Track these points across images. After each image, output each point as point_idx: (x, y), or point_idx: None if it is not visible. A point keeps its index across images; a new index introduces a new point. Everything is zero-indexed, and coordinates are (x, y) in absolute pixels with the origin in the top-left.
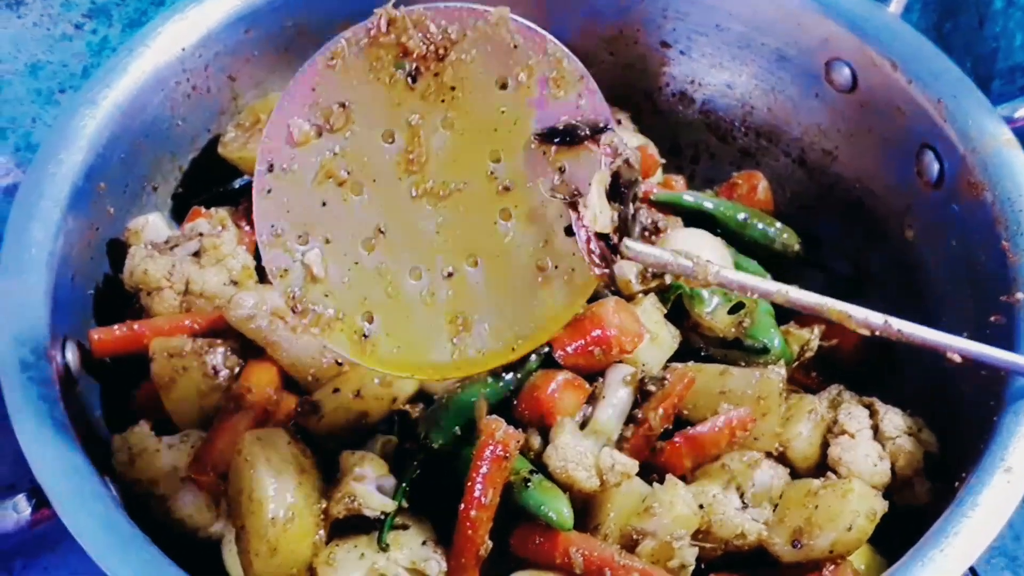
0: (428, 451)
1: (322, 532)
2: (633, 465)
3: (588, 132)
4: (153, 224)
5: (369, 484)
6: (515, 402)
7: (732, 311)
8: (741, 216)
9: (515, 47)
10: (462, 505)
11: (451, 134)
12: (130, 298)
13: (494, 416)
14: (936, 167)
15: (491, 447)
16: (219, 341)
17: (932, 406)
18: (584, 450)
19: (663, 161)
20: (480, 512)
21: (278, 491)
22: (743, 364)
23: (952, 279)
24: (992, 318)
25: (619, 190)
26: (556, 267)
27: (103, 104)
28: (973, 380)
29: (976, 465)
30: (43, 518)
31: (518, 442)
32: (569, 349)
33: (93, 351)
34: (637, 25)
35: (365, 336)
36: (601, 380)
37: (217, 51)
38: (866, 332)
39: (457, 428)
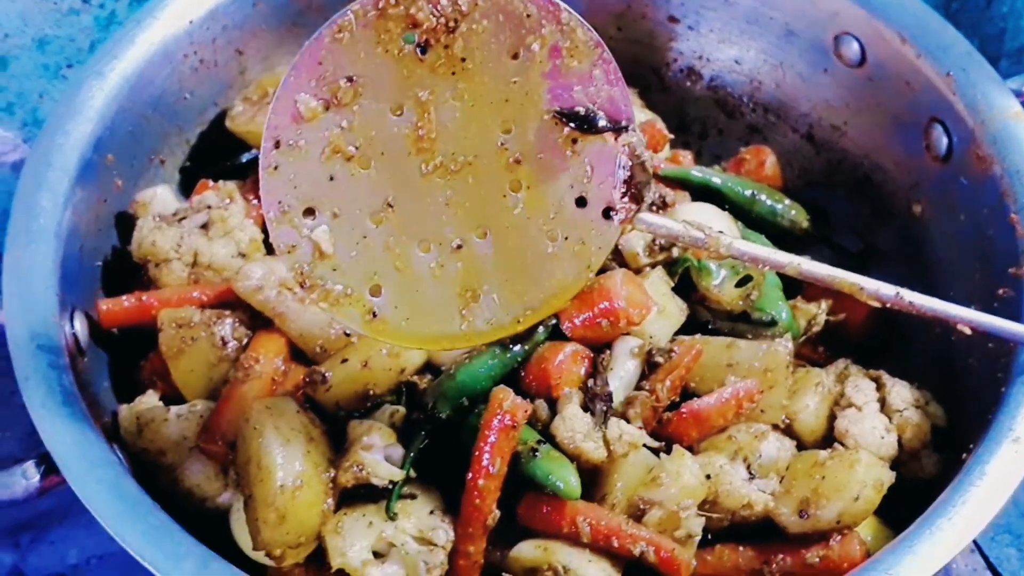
0: (435, 421)
1: (330, 501)
2: (640, 435)
3: (608, 125)
4: (161, 196)
5: (377, 453)
6: (522, 373)
7: (739, 284)
8: (749, 192)
9: (528, 16)
10: (470, 474)
11: (461, 106)
12: (138, 270)
13: (502, 386)
14: (945, 141)
15: (499, 416)
16: (227, 312)
17: (939, 378)
18: (591, 421)
19: (671, 136)
20: (488, 481)
21: (287, 459)
22: (750, 337)
23: (960, 253)
24: (1000, 291)
25: (631, 190)
26: (566, 238)
27: (111, 76)
28: (981, 352)
29: (984, 436)
30: (52, 485)
31: (526, 412)
32: (577, 321)
33: (101, 322)
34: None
35: (374, 313)
36: (608, 352)
37: (225, 24)
38: (877, 304)
39: (464, 399)
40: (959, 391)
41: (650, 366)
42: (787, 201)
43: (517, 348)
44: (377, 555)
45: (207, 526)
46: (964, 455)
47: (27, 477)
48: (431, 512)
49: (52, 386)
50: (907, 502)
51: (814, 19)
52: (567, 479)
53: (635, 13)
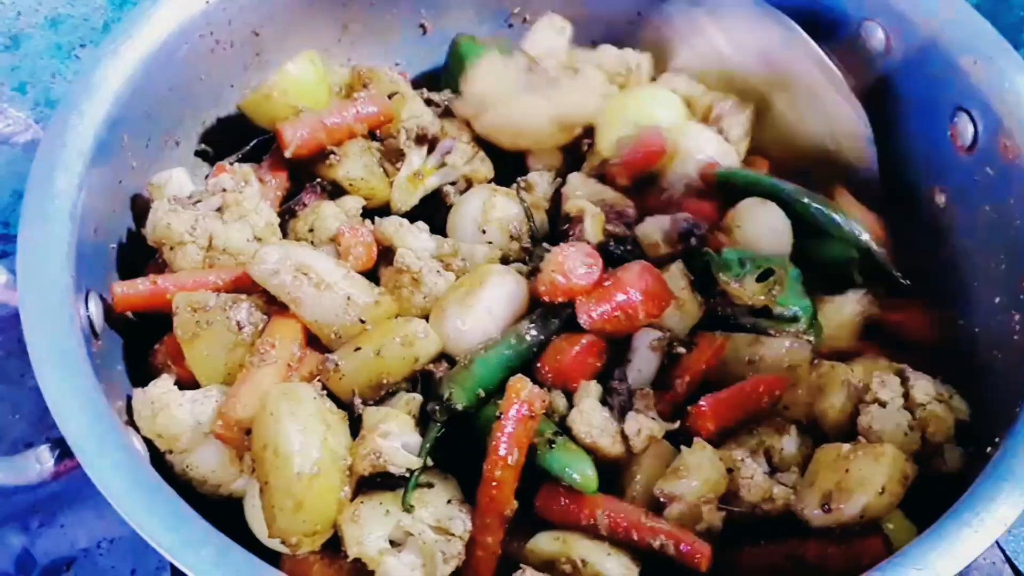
0: (451, 412)
1: (347, 489)
2: (660, 428)
3: None
4: (176, 179)
5: (394, 441)
6: (538, 365)
7: (761, 278)
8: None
9: None
10: (486, 464)
11: None
12: (152, 253)
13: (519, 375)
14: (971, 130)
15: (517, 405)
16: (243, 296)
17: (963, 371)
18: (609, 415)
19: None
20: (505, 471)
21: (304, 446)
22: (772, 333)
23: (985, 243)
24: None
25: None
26: None
27: (126, 56)
28: (1005, 345)
29: (1011, 430)
30: (65, 469)
31: (544, 402)
32: (594, 314)
33: (115, 305)
34: None
35: None
36: (630, 345)
37: (241, 5)
38: None
39: (480, 390)
40: (983, 383)
41: (670, 358)
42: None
43: (532, 337)
44: (394, 544)
45: (220, 512)
46: (989, 449)
47: (41, 462)
48: (448, 502)
49: (66, 369)
50: (930, 495)
51: (839, 6)
52: (584, 471)
53: None
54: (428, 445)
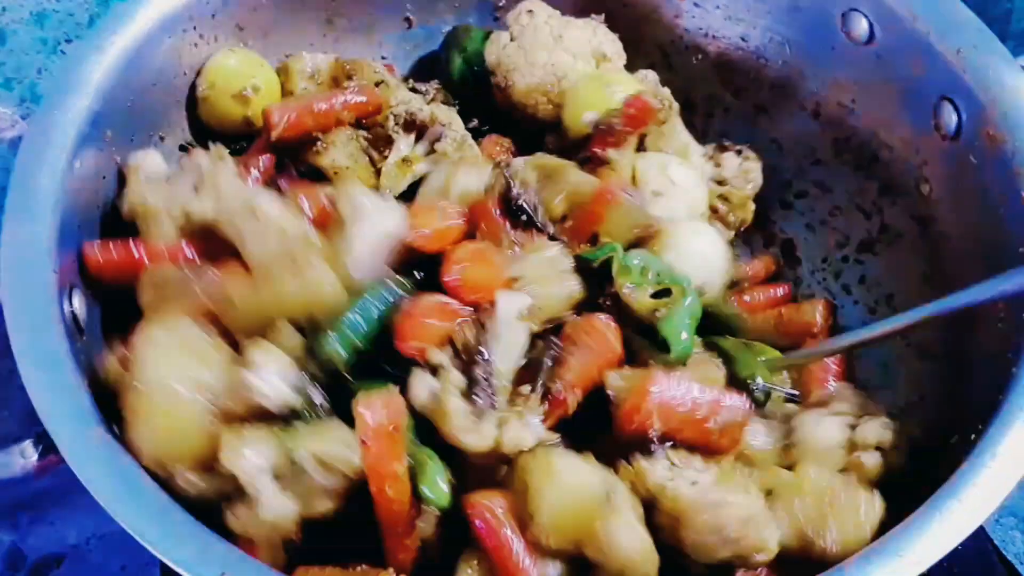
0: (328, 368)
1: (215, 420)
2: (530, 439)
3: None
4: (152, 159)
5: (265, 375)
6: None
7: (656, 295)
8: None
9: None
10: (373, 487)
11: None
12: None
13: (362, 393)
14: (955, 119)
15: (371, 427)
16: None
17: (947, 356)
18: (469, 407)
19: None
20: (394, 487)
21: (159, 372)
22: (643, 352)
23: (969, 232)
24: (1010, 270)
25: None
26: None
27: (110, 51)
28: (991, 333)
29: (995, 416)
30: (50, 464)
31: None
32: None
33: (88, 266)
34: None
35: None
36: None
37: (225, 0)
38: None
39: (358, 341)
40: (969, 370)
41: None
42: None
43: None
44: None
45: (204, 506)
46: (973, 436)
47: (25, 456)
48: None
49: (50, 364)
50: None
51: None
52: (435, 487)
53: None
54: (307, 387)
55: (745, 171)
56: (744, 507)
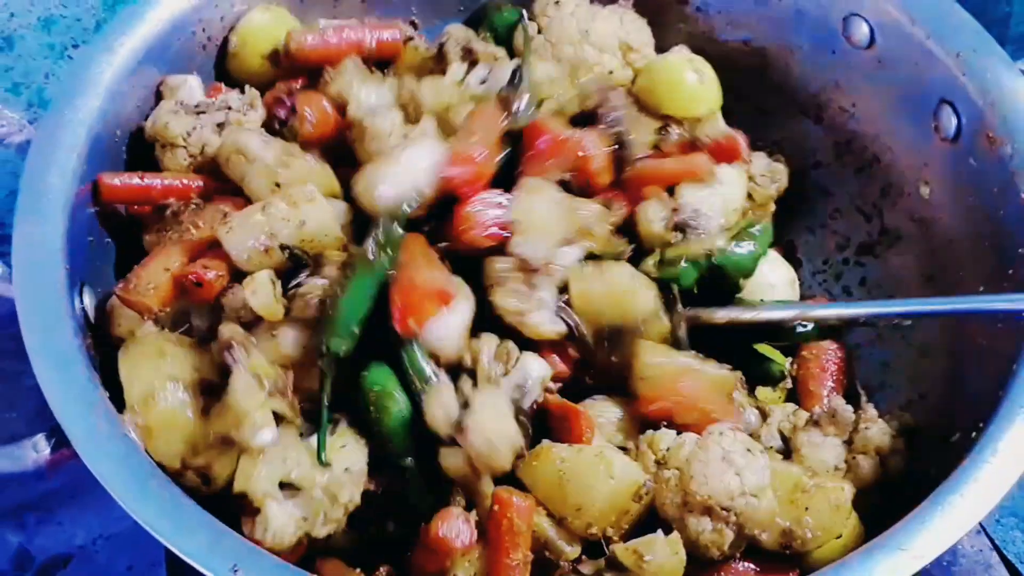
0: (336, 359)
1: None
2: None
3: None
4: (190, 85)
5: (259, 292)
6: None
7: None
8: None
9: None
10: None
11: None
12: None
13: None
14: (954, 122)
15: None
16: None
17: (946, 354)
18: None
19: None
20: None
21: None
22: None
23: (969, 234)
24: (1009, 271)
25: None
26: None
27: (120, 51)
28: (990, 332)
29: (995, 413)
30: (62, 459)
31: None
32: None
33: (102, 194)
34: None
35: None
36: None
37: (232, 2)
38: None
39: (354, 327)
40: (969, 368)
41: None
42: None
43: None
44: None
45: (214, 499)
46: (974, 434)
47: (37, 450)
48: (346, 470)
49: (62, 361)
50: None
51: (823, 0)
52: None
53: None
54: (327, 395)
55: (772, 171)
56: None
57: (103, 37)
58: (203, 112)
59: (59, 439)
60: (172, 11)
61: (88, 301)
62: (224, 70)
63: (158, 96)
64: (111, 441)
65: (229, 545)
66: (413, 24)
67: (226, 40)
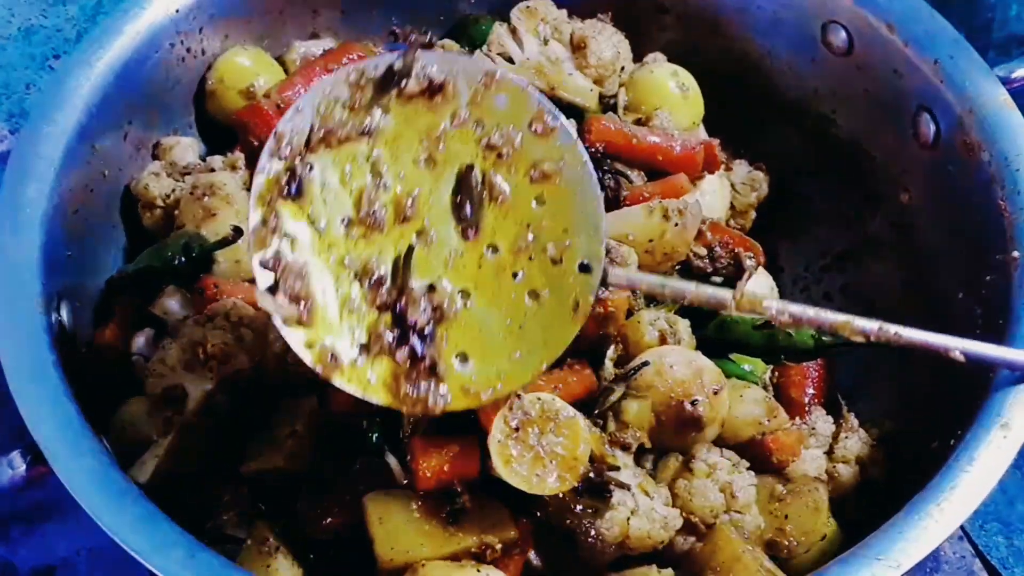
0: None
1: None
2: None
3: None
4: (184, 146)
5: None
6: None
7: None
8: None
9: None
10: None
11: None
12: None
13: None
14: (933, 128)
15: None
16: None
17: (926, 363)
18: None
19: None
20: None
21: None
22: None
23: (949, 239)
24: (988, 277)
25: None
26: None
27: (97, 65)
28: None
29: (973, 422)
30: (38, 475)
31: None
32: None
33: None
34: None
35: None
36: None
37: (212, 13)
38: (861, 339)
39: None
40: (948, 376)
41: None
42: None
43: None
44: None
45: (191, 514)
46: (952, 441)
47: (13, 467)
48: None
49: (38, 375)
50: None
51: (802, 8)
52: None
53: (623, 1)
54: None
55: (753, 179)
56: None
57: (81, 51)
58: (188, 173)
59: (35, 455)
60: (150, 24)
61: (65, 314)
62: (203, 108)
63: (120, 202)
64: (86, 457)
65: (204, 561)
66: (393, 35)
67: (203, 79)
